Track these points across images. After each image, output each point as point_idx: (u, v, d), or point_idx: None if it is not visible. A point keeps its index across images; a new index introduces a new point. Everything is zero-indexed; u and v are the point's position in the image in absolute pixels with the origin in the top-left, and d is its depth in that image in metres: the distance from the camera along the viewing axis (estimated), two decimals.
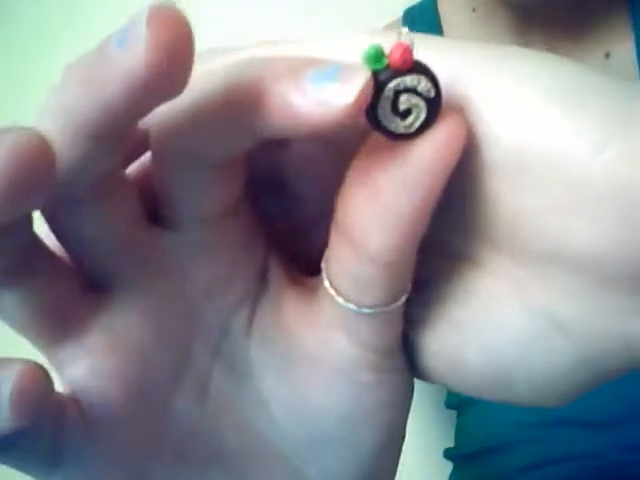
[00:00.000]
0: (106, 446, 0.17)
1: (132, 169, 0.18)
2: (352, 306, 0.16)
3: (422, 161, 0.14)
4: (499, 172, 0.15)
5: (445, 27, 0.60)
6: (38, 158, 0.13)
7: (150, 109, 0.14)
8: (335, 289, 0.17)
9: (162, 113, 0.15)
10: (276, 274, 0.19)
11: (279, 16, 0.78)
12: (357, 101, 0.13)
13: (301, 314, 0.18)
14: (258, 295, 0.19)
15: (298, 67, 0.14)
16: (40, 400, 0.14)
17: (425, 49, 0.15)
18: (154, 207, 0.17)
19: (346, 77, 0.13)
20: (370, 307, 0.16)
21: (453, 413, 0.62)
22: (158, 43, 0.12)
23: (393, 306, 0.16)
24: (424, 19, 0.60)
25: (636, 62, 0.54)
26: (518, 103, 0.14)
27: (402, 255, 0.15)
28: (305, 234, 0.19)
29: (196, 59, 0.13)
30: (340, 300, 0.17)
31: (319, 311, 0.18)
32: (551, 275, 0.15)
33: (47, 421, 0.15)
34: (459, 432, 0.61)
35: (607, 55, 0.55)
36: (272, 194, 0.19)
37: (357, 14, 0.76)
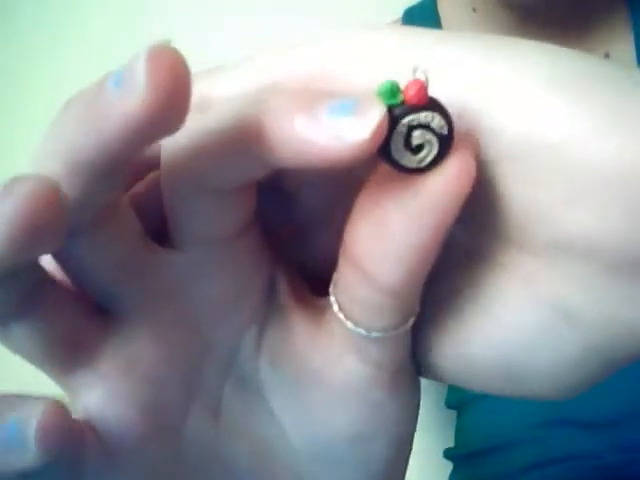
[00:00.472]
0: (124, 470, 0.17)
1: (138, 189, 0.18)
2: (361, 330, 0.17)
3: (433, 195, 0.14)
4: (505, 164, 0.15)
5: (445, 27, 0.60)
6: (49, 206, 0.13)
7: (149, 145, 0.14)
8: (344, 313, 0.17)
9: (173, 143, 0.15)
10: (283, 293, 0.19)
11: (279, 16, 0.78)
12: (373, 136, 0.13)
13: (310, 334, 0.18)
14: (266, 314, 0.19)
15: (311, 102, 0.14)
16: (64, 435, 0.15)
17: (441, 44, 0.15)
18: (161, 226, 0.17)
19: (362, 110, 0.13)
20: (379, 331, 0.16)
21: (453, 413, 0.62)
22: (157, 87, 0.12)
23: (402, 329, 0.17)
24: (424, 19, 0.60)
25: (636, 62, 0.54)
26: (520, 93, 0.14)
27: (410, 285, 0.16)
28: (308, 241, 0.19)
29: (194, 78, 0.13)
30: (349, 325, 0.17)
31: (328, 331, 0.18)
32: (559, 264, 0.15)
33: (68, 451, 0.15)
34: (459, 432, 0.61)
35: (607, 55, 0.55)
36: (271, 196, 0.19)
37: (357, 14, 0.76)
